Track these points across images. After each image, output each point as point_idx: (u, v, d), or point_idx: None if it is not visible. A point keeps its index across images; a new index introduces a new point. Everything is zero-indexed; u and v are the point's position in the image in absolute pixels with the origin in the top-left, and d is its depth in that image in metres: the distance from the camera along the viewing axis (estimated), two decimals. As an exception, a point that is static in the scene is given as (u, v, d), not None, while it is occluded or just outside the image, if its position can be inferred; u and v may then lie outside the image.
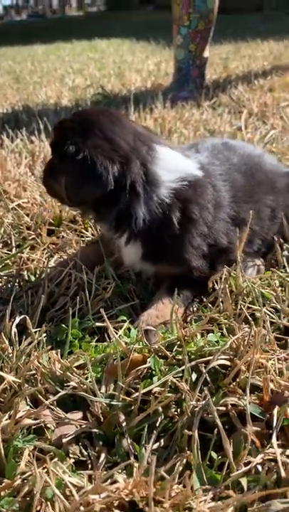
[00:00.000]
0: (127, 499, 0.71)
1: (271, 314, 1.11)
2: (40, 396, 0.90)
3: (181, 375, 0.90)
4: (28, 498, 0.73)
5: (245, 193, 1.28)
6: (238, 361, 0.90)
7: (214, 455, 0.79)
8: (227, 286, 1.15)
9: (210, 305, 1.17)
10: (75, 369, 0.94)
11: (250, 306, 1.14)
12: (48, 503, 0.72)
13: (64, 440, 0.83)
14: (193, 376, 0.91)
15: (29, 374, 0.94)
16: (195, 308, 1.18)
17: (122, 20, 16.42)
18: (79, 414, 0.88)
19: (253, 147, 1.48)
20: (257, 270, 1.33)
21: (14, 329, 1.02)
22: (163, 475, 0.74)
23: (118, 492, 0.71)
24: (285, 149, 2.15)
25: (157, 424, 0.84)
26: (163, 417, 0.85)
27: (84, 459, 0.82)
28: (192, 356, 0.95)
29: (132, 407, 0.85)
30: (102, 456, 0.81)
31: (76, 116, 1.14)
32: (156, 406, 0.84)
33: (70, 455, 0.82)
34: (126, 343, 0.97)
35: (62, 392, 0.89)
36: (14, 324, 1.03)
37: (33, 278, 1.32)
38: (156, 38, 7.73)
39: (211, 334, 1.01)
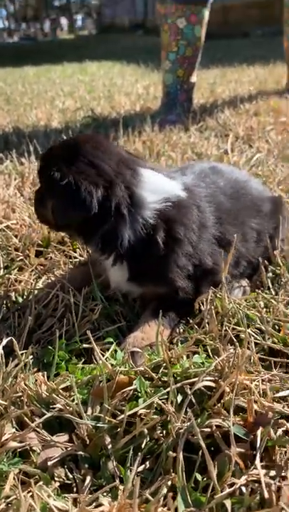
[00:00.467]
0: (111, 522, 0.71)
1: (256, 335, 1.13)
2: (26, 418, 0.90)
3: (166, 396, 0.91)
4: (12, 523, 0.73)
5: (230, 215, 1.30)
6: (222, 382, 0.91)
7: (199, 477, 0.79)
8: (213, 307, 1.17)
9: (196, 326, 1.18)
10: (61, 391, 0.94)
11: (235, 327, 1.15)
12: (33, 527, 0.72)
13: (49, 463, 0.83)
14: (179, 398, 0.92)
15: (15, 396, 0.94)
16: (181, 330, 1.19)
17: (112, 43, 16.74)
18: (65, 437, 0.89)
19: (240, 172, 1.52)
20: (243, 291, 1.35)
21: (1, 351, 1.02)
22: (148, 497, 0.74)
23: (103, 515, 0.71)
24: (270, 172, 2.20)
25: (143, 446, 0.85)
26: (148, 439, 0.86)
27: (69, 482, 0.82)
28: (178, 378, 0.96)
29: (118, 429, 0.86)
30: (88, 479, 0.81)
31: (62, 144, 1.18)
32: (141, 428, 0.85)
33: (56, 478, 0.82)
34: (112, 365, 0.98)
35: (48, 415, 0.89)
36: (1, 346, 1.03)
37: (20, 299, 1.32)
38: (146, 61, 7.90)
39: (196, 356, 1.02)
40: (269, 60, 6.77)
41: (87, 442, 0.86)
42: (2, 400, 0.92)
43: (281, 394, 0.93)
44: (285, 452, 0.83)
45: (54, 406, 0.92)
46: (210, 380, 0.93)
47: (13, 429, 0.89)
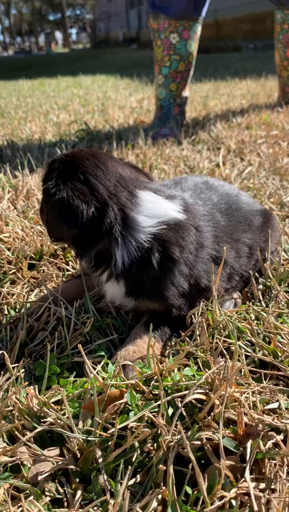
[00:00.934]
0: (101, 537, 0.71)
1: (246, 348, 1.14)
2: (17, 432, 0.90)
3: (157, 409, 0.92)
4: (2, 539, 0.72)
5: (225, 233, 1.32)
6: (212, 395, 0.92)
7: (189, 490, 0.79)
8: (204, 320, 1.18)
9: (187, 339, 1.19)
10: (52, 405, 0.94)
11: (226, 339, 1.16)
12: None
13: (40, 477, 0.83)
14: (170, 411, 0.92)
15: (6, 410, 0.94)
16: (173, 343, 1.20)
17: (106, 57, 16.93)
18: (56, 451, 0.89)
19: (230, 186, 1.54)
20: (234, 304, 1.37)
21: (-8, 365, 1.03)
22: (138, 511, 0.74)
23: (93, 530, 0.71)
24: (261, 185, 2.23)
25: (133, 460, 0.85)
26: (139, 452, 0.86)
27: (60, 496, 0.82)
28: (169, 391, 0.97)
29: (109, 443, 0.86)
30: (79, 493, 0.81)
31: (65, 157, 1.17)
32: (132, 441, 0.85)
33: (46, 493, 0.82)
34: (103, 379, 0.98)
35: (39, 429, 0.89)
36: (-8, 360, 1.03)
37: (12, 312, 1.33)
38: (140, 75, 8.00)
39: (187, 368, 1.03)
40: (261, 73, 6.88)
41: (78, 456, 0.87)
42: (-7, 414, 0.92)
43: (271, 406, 0.94)
44: (275, 465, 0.84)
45: (45, 420, 0.92)
46: (200, 393, 0.94)
47: (4, 444, 0.89)
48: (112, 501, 0.77)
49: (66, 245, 1.31)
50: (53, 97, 6.30)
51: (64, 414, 0.92)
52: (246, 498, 0.77)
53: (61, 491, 0.83)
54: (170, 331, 1.19)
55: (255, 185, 2.22)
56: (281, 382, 1.05)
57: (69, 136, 3.56)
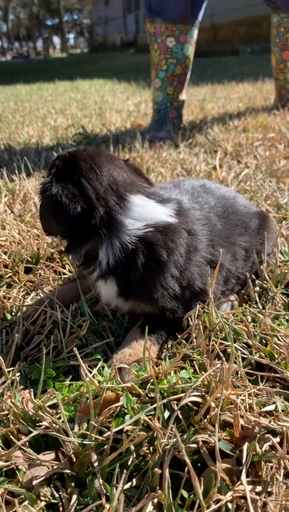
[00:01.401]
0: None
1: (243, 350, 1.13)
2: (12, 437, 0.90)
3: (153, 412, 0.91)
4: None
5: (222, 236, 1.32)
6: (208, 398, 0.92)
7: (185, 494, 0.79)
8: (201, 322, 1.17)
9: (184, 341, 1.18)
10: (47, 408, 0.94)
11: (222, 341, 1.16)
12: None
13: (35, 482, 0.82)
14: (166, 414, 0.92)
15: (1, 414, 0.94)
16: (169, 345, 1.19)
17: (104, 61, 16.98)
18: (51, 455, 0.88)
19: (226, 189, 1.54)
20: (231, 306, 1.36)
21: (-13, 369, 1.02)
22: (133, 516, 0.74)
23: (88, 535, 0.70)
24: (258, 188, 2.23)
25: (129, 463, 0.84)
26: (135, 455, 0.85)
27: (55, 501, 0.81)
28: (165, 394, 0.96)
29: (105, 447, 0.86)
30: (74, 497, 0.80)
31: (68, 155, 1.20)
32: (128, 445, 0.84)
33: (41, 498, 0.81)
34: (99, 382, 0.98)
35: (35, 433, 0.89)
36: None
37: (9, 316, 1.32)
38: (137, 79, 8.02)
39: (183, 371, 1.03)
40: (258, 77, 6.91)
41: (74, 460, 0.86)
42: (-12, 418, 0.91)
43: (267, 408, 0.94)
44: (272, 467, 0.83)
45: (40, 424, 0.91)
46: (197, 396, 0.93)
47: (-1, 448, 0.88)
48: (107, 506, 0.76)
49: (56, 238, 1.39)
50: (51, 102, 6.31)
51: (59, 418, 0.92)
52: (242, 501, 0.76)
53: (56, 495, 0.82)
54: (166, 333, 1.19)
55: (251, 188, 2.23)
56: (278, 384, 1.05)
57: (66, 140, 3.57)
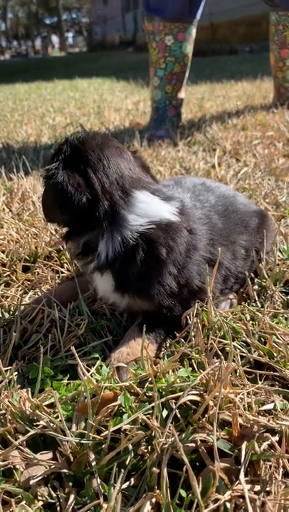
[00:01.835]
0: None
1: (242, 348, 1.13)
2: (9, 436, 0.89)
3: (151, 411, 0.90)
4: None
5: (222, 235, 1.32)
6: (207, 396, 0.91)
7: (183, 493, 0.78)
8: (199, 320, 1.17)
9: (182, 340, 1.18)
10: (45, 408, 0.93)
11: (221, 340, 1.15)
12: None
13: (32, 482, 0.81)
14: (164, 413, 0.91)
15: (-1, 414, 0.93)
16: (168, 344, 1.19)
17: (102, 60, 16.96)
18: (49, 455, 0.87)
19: (226, 187, 1.54)
20: (230, 304, 1.36)
21: (-15, 368, 1.02)
22: (131, 515, 0.73)
23: (85, 535, 0.70)
24: (257, 186, 2.23)
25: (127, 463, 0.84)
26: (133, 455, 0.85)
27: (53, 501, 0.81)
28: (163, 392, 0.95)
29: (103, 446, 0.85)
30: (72, 497, 0.80)
31: (76, 141, 1.16)
32: (126, 444, 0.84)
33: (39, 497, 0.81)
34: (97, 381, 0.97)
35: (32, 432, 0.88)
36: (-15, 363, 1.02)
37: (6, 315, 1.32)
38: (136, 78, 8.01)
39: (181, 369, 1.02)
40: (256, 75, 6.89)
41: (72, 459, 0.85)
42: (-15, 417, 0.91)
43: (266, 407, 0.93)
44: (270, 466, 0.83)
45: (38, 423, 0.91)
46: (195, 394, 0.93)
47: (-4, 448, 0.88)
48: (105, 505, 0.76)
49: (58, 226, 1.41)
50: (49, 100, 6.30)
51: (57, 417, 0.91)
52: (241, 500, 0.76)
53: (54, 495, 0.81)
54: (164, 332, 1.18)
55: (250, 186, 2.22)
56: (277, 382, 1.04)
57: (65, 139, 3.55)
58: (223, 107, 4.54)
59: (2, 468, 0.84)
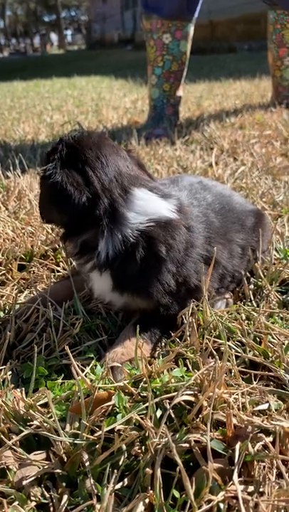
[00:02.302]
0: None
1: (237, 348, 1.13)
2: (2, 436, 0.89)
3: (145, 411, 0.90)
4: None
5: (219, 234, 1.32)
6: (201, 397, 0.91)
7: (177, 494, 0.78)
8: (195, 320, 1.16)
9: (177, 339, 1.18)
10: (39, 407, 0.93)
11: (216, 340, 1.15)
12: None
13: (25, 482, 0.81)
14: (158, 413, 0.91)
15: (-8, 413, 0.93)
16: (163, 344, 1.18)
17: (101, 58, 16.92)
18: (42, 455, 0.87)
19: (222, 186, 1.53)
20: (226, 304, 1.35)
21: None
22: (124, 516, 0.73)
23: (78, 535, 0.69)
24: (254, 185, 2.22)
25: (120, 463, 0.83)
26: (126, 455, 0.85)
27: (46, 501, 0.80)
28: (157, 392, 0.95)
29: (96, 446, 0.85)
30: (65, 497, 0.79)
31: (72, 140, 1.15)
32: (119, 444, 0.84)
33: (32, 498, 0.80)
34: (91, 381, 0.97)
35: (25, 432, 0.88)
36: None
37: (1, 314, 1.31)
38: (134, 76, 7.99)
39: (176, 369, 1.02)
40: (255, 74, 6.89)
41: (65, 460, 0.85)
42: (-22, 417, 0.90)
43: (260, 407, 0.93)
44: (264, 467, 0.82)
45: (31, 423, 0.90)
46: (189, 395, 0.92)
47: (-11, 448, 0.87)
48: (98, 506, 0.75)
49: (55, 226, 1.37)
50: (47, 98, 6.28)
51: (51, 417, 0.91)
52: (234, 501, 0.75)
53: (47, 495, 0.81)
54: (160, 331, 1.18)
55: (247, 185, 2.22)
56: (271, 382, 1.04)
57: (62, 137, 3.54)
58: (222, 106, 4.53)
59: (-5, 469, 0.83)
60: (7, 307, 1.34)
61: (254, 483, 0.79)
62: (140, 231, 1.12)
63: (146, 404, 0.90)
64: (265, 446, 0.85)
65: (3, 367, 1.04)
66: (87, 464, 0.83)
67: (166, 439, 0.82)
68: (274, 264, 1.49)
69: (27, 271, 1.56)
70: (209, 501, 0.75)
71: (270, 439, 0.86)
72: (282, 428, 0.86)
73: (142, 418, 0.88)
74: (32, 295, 1.39)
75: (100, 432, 0.85)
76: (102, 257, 1.13)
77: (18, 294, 1.40)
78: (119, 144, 2.91)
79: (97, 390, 0.92)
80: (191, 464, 0.84)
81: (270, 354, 1.10)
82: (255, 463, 0.82)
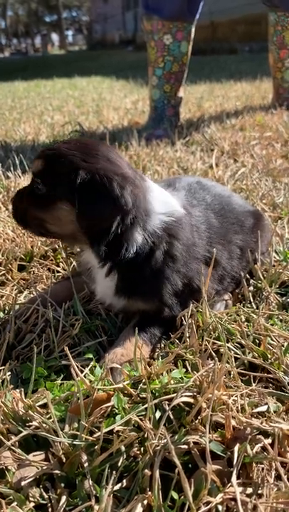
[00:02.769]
0: None
1: (236, 350, 1.13)
2: (1, 437, 0.89)
3: (144, 413, 0.90)
4: None
5: (218, 234, 1.32)
6: (200, 398, 0.91)
7: (175, 495, 0.78)
8: (194, 321, 1.17)
9: (177, 341, 1.18)
10: (38, 408, 0.93)
11: (215, 341, 1.15)
12: None
13: (24, 483, 0.81)
14: (157, 414, 0.91)
15: (-9, 414, 0.93)
16: (162, 345, 1.18)
17: (102, 59, 16.92)
18: (41, 456, 0.87)
19: (222, 187, 1.53)
20: (225, 305, 1.35)
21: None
22: (122, 517, 0.73)
23: (76, 536, 0.69)
24: (254, 186, 2.22)
25: (119, 464, 0.83)
26: (125, 456, 0.85)
27: (44, 502, 0.80)
28: (156, 394, 0.95)
29: (95, 447, 0.85)
30: (63, 498, 0.79)
31: (69, 145, 1.10)
32: (118, 445, 0.84)
33: (30, 498, 0.80)
34: (90, 382, 0.97)
35: (24, 433, 0.88)
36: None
37: (1, 314, 1.31)
38: (135, 77, 7.99)
39: (175, 371, 1.02)
40: (256, 75, 6.89)
41: (64, 461, 0.85)
42: (-22, 418, 0.90)
43: (259, 409, 0.93)
44: (263, 469, 0.82)
45: (30, 424, 0.90)
46: (188, 396, 0.92)
47: (-12, 448, 0.87)
48: (96, 507, 0.75)
49: (75, 238, 1.17)
50: (48, 99, 6.28)
51: (50, 417, 0.91)
52: (233, 503, 0.75)
53: (46, 496, 0.81)
54: (160, 333, 1.18)
55: (248, 187, 2.22)
56: (270, 384, 1.04)
57: (63, 138, 3.55)
58: (222, 107, 4.53)
59: (-6, 469, 0.84)
60: (7, 307, 1.34)
61: (253, 485, 0.79)
62: (164, 223, 1.13)
63: (146, 405, 0.90)
64: (263, 448, 0.85)
65: (3, 367, 1.04)
66: (86, 464, 0.83)
67: (165, 440, 0.82)
68: (274, 266, 1.49)
69: (27, 271, 1.56)
70: (208, 503, 0.75)
71: (269, 441, 0.86)
72: (281, 430, 0.86)
73: (141, 419, 0.88)
74: (32, 295, 1.39)
75: (99, 433, 0.85)
76: (131, 250, 1.10)
77: (18, 295, 1.40)
78: (119, 145, 2.91)
79: (97, 391, 0.93)
80: (190, 465, 0.84)
81: (270, 356, 1.10)
82: (254, 465, 0.82)
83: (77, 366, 0.99)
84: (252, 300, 1.35)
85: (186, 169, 2.56)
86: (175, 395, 0.92)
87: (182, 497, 0.78)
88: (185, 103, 4.67)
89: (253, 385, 1.03)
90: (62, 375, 1.08)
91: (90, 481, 0.81)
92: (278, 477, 0.82)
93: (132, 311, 1.22)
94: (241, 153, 2.85)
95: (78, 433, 0.86)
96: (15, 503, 0.78)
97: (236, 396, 0.95)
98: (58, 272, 1.56)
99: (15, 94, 7.16)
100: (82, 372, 1.02)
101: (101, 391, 0.95)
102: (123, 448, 0.85)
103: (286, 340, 1.15)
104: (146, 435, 0.86)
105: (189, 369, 1.06)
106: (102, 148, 1.11)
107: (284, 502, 0.74)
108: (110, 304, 1.24)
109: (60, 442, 0.85)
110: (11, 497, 0.79)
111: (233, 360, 1.08)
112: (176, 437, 0.85)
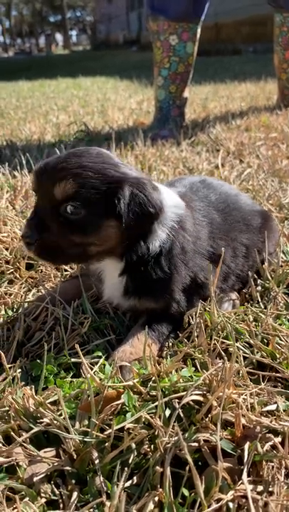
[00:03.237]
0: (97, 539, 0.70)
1: (244, 349, 1.13)
2: (13, 433, 0.89)
3: (154, 410, 0.91)
4: (-4, 540, 0.72)
5: (221, 230, 1.32)
6: (210, 397, 0.91)
7: (186, 492, 0.79)
8: (202, 321, 1.17)
9: (185, 340, 1.18)
10: (48, 405, 0.93)
11: (224, 340, 1.15)
12: None
13: (35, 479, 0.82)
14: (167, 412, 0.91)
15: (2, 410, 0.94)
16: (170, 344, 1.19)
17: (106, 59, 16.93)
18: (52, 452, 0.88)
19: (229, 186, 1.53)
20: (232, 305, 1.36)
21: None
22: (134, 513, 0.73)
23: (89, 532, 0.70)
24: (260, 187, 2.23)
25: (130, 461, 0.84)
26: (136, 453, 0.85)
27: (56, 498, 0.81)
28: (166, 392, 0.96)
29: (106, 444, 0.85)
30: (74, 494, 0.80)
31: (81, 158, 1.06)
32: (129, 442, 0.84)
33: (42, 494, 0.81)
34: (100, 379, 0.98)
35: (36, 429, 0.88)
36: (-11, 360, 1.03)
37: (10, 312, 1.32)
38: (139, 77, 8.00)
39: (184, 369, 1.02)
40: (260, 76, 6.89)
41: (75, 457, 0.86)
42: (-11, 414, 0.91)
43: (269, 408, 0.93)
44: (273, 467, 0.83)
45: (41, 420, 0.91)
46: (198, 394, 0.93)
47: (0, 444, 0.88)
48: (108, 503, 0.76)
49: (109, 250, 1.12)
50: (53, 98, 6.30)
51: (60, 414, 0.92)
52: (244, 500, 0.76)
53: (57, 492, 0.82)
54: (167, 331, 1.18)
55: (254, 187, 2.22)
56: (279, 384, 1.05)
57: (68, 137, 3.56)
58: (227, 108, 4.54)
59: (6, 465, 0.84)
60: (15, 305, 1.35)
61: (263, 482, 0.79)
62: (178, 218, 1.15)
63: (156, 403, 0.90)
64: (273, 447, 0.86)
65: (13, 364, 1.05)
66: (96, 461, 0.83)
67: (176, 438, 0.83)
68: (281, 266, 1.49)
69: (35, 270, 1.57)
70: (219, 500, 0.76)
71: (279, 439, 0.87)
72: (291, 429, 0.86)
73: (151, 417, 0.89)
74: (40, 294, 1.40)
75: (110, 430, 0.86)
76: (156, 246, 1.11)
77: (26, 293, 1.41)
78: (125, 146, 2.92)
79: (107, 389, 0.93)
80: (200, 463, 0.85)
81: (278, 355, 1.11)
82: (264, 463, 0.83)
83: (88, 363, 1.00)
84: (260, 300, 1.35)
85: (192, 169, 2.56)
86: (185, 393, 0.92)
87: (193, 494, 0.78)
88: (190, 103, 4.68)
89: (262, 384, 1.03)
90: (71, 373, 1.08)
91: (101, 478, 0.81)
92: (288, 475, 0.83)
93: (139, 310, 1.23)
94: (247, 153, 2.86)
95: (89, 430, 0.87)
96: (27, 499, 0.79)
97: (246, 395, 0.95)
98: (66, 270, 1.57)
99: (19, 94, 7.19)
100: (91, 369, 1.02)
101: (111, 389, 0.95)
102: (134, 445, 0.85)
103: (294, 340, 1.16)
104: (156, 433, 0.86)
105: (198, 368, 1.06)
106: (104, 154, 1.12)
107: (294, 500, 0.75)
108: (118, 304, 1.25)
109: (71, 439, 0.86)
110: (23, 492, 0.80)
111: (242, 359, 1.08)
112: (186, 435, 0.86)
